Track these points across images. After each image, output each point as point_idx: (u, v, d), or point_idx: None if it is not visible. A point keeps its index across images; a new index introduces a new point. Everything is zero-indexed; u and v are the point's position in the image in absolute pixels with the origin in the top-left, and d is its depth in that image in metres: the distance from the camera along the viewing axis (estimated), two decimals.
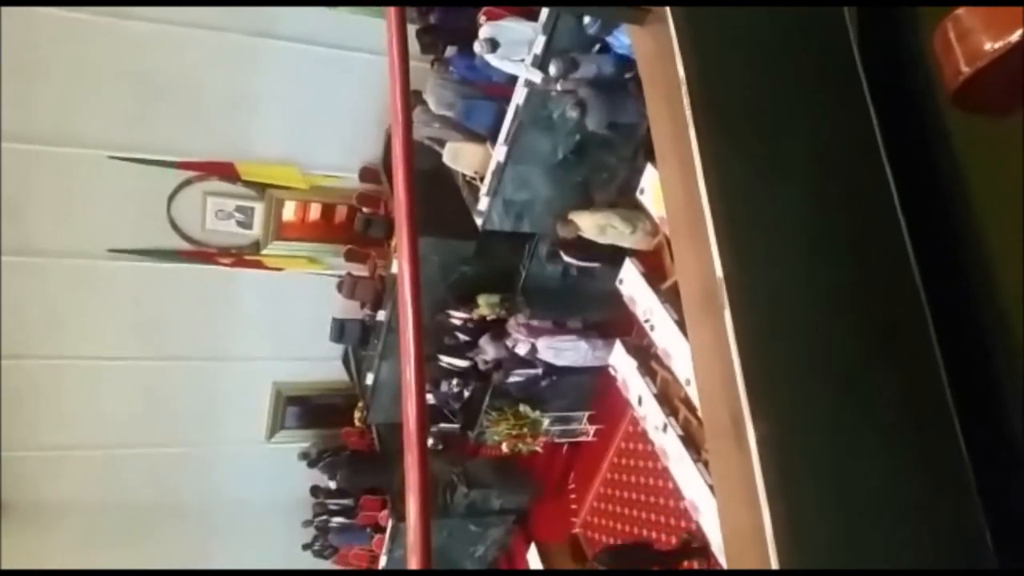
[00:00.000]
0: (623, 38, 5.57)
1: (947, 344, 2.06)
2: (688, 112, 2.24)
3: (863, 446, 2.15)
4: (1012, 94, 1.13)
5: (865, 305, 2.19)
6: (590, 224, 6.91)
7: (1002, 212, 1.85)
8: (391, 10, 2.32)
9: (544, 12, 6.20)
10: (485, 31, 6.51)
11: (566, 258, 7.58)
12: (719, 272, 2.14)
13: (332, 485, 10.68)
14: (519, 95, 6.70)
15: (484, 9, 6.63)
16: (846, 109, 2.19)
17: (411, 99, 2.56)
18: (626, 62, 5.82)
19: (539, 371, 8.09)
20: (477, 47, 6.52)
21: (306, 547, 10.95)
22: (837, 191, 2.22)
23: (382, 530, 9.77)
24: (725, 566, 2.89)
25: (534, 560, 8.28)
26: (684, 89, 2.19)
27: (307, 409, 11.45)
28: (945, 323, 2.06)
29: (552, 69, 5.92)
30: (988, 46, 1.09)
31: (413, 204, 2.25)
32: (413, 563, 1.96)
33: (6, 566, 9.69)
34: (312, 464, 10.89)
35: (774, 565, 2.08)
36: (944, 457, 2.20)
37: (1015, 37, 1.07)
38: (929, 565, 2.15)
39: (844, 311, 2.18)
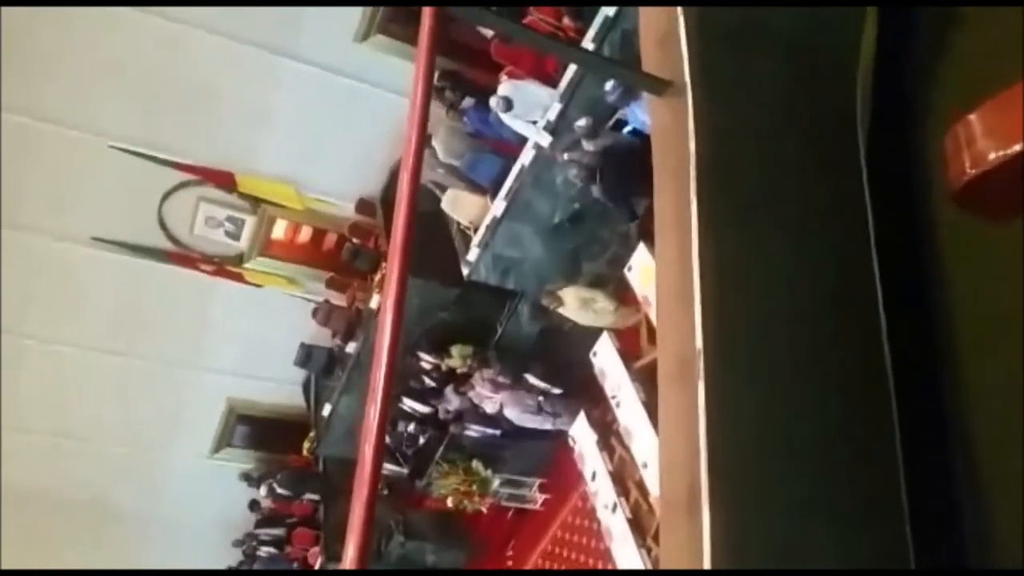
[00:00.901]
0: (639, 113, 5.73)
1: (910, 439, 2.10)
2: (693, 187, 2.31)
3: (818, 536, 2.15)
4: (1011, 202, 1.19)
5: (836, 396, 2.23)
6: (573, 297, 6.94)
7: (978, 311, 1.91)
8: (421, 48, 2.39)
9: (565, 79, 6.38)
10: (503, 89, 6.68)
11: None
12: (699, 343, 2.18)
13: (267, 498, 10.37)
14: (526, 155, 6.84)
15: (507, 68, 6.82)
16: (846, 203, 2.27)
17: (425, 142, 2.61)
18: (638, 138, 5.97)
19: (498, 432, 8.03)
20: (492, 102, 6.68)
21: (231, 571, 10.60)
22: (826, 281, 2.28)
23: (310, 566, 9.47)
24: None
25: None
26: (693, 164, 2.27)
27: (257, 430, 11.20)
28: (911, 418, 2.10)
29: (581, 123, 6.04)
30: (992, 154, 1.15)
31: (409, 246, 2.27)
32: None
33: None
34: (253, 485, 10.62)
35: None
36: (896, 550, 2.20)
37: (1016, 148, 1.13)
38: None
39: (816, 401, 2.22)
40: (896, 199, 2.08)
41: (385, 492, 8.74)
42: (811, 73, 2.32)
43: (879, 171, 2.13)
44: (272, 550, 10.28)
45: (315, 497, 9.87)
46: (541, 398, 7.51)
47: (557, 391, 7.52)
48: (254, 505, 10.50)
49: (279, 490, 10.13)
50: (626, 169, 5.79)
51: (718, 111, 2.30)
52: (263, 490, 10.29)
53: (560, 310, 7.00)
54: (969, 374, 1.98)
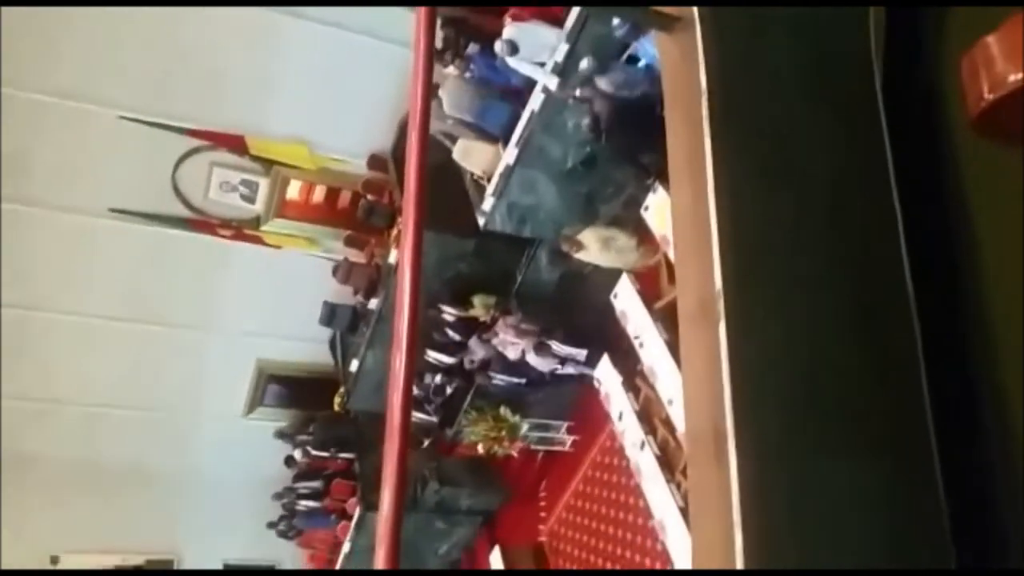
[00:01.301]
0: (650, 48, 5.60)
1: (936, 377, 2.09)
2: (706, 124, 2.27)
3: (842, 475, 2.17)
4: None
5: (860, 333, 2.22)
6: (593, 239, 6.90)
7: (1002, 241, 1.87)
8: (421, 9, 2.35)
9: (571, 19, 6.24)
10: (508, 32, 6.55)
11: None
12: (718, 284, 2.17)
13: (303, 458, 10.63)
14: (536, 100, 6.73)
15: (511, 11, 6.67)
16: (862, 135, 2.22)
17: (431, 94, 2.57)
18: (649, 76, 5.86)
19: (523, 380, 8.10)
20: (497, 47, 6.56)
21: (271, 525, 10.91)
22: (844, 216, 2.25)
23: (348, 517, 9.73)
24: None
25: (496, 564, 8.26)
26: (704, 100, 2.22)
27: (288, 389, 11.44)
28: (936, 355, 2.09)
29: (583, 64, 5.94)
30: (1012, 77, 1.11)
31: (423, 197, 2.27)
32: (380, 555, 1.98)
33: None
34: (287, 442, 10.86)
35: None
36: (922, 504, 2.21)
37: None
38: None
39: (838, 338, 2.21)
40: (913, 136, 2.03)
41: (426, 443, 8.92)
42: (822, 16, 2.25)
43: (894, 110, 2.08)
44: (311, 503, 10.55)
45: (349, 456, 10.06)
46: (559, 366, 7.57)
47: (581, 357, 7.53)
48: (290, 461, 10.76)
49: (313, 452, 10.36)
50: (633, 124, 5.68)
51: (728, 47, 2.24)
52: (298, 453, 10.54)
53: (581, 254, 6.96)
54: (994, 317, 1.95)
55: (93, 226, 9.68)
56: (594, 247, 6.86)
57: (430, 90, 2.28)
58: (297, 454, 10.55)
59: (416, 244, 2.21)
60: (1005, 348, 1.91)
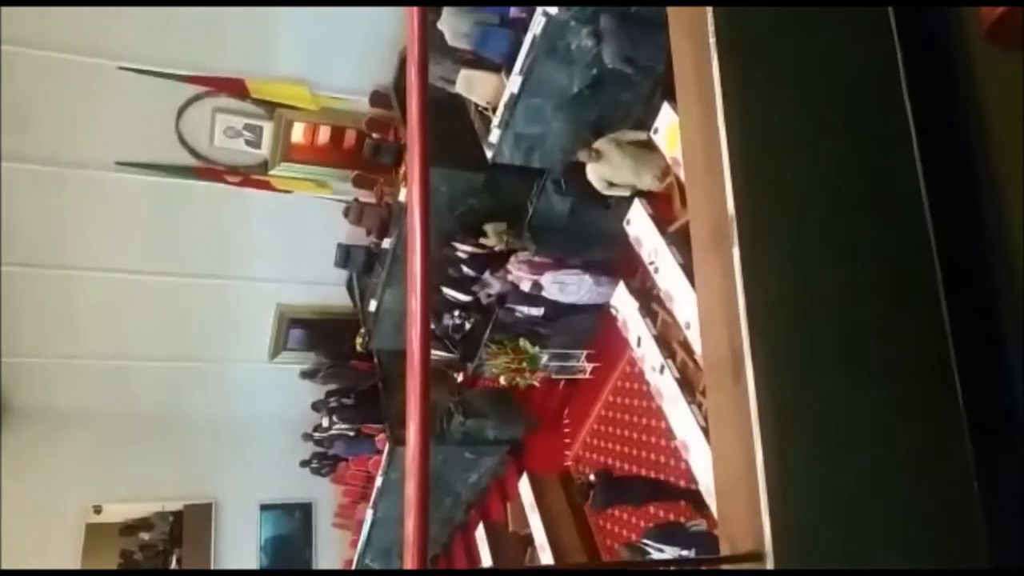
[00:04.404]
0: None
1: (952, 287, 2.07)
2: (712, 44, 2.21)
3: (859, 389, 2.18)
4: None
5: (875, 252, 2.20)
6: (610, 145, 6.78)
7: (1017, 153, 1.83)
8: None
9: None
10: None
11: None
12: (731, 209, 2.15)
13: (327, 422, 10.86)
14: (537, 24, 6.55)
15: None
16: (873, 48, 2.15)
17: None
18: None
19: (541, 311, 8.12)
20: None
21: (304, 464, 11.21)
22: (856, 134, 2.20)
23: (380, 452, 9.97)
24: (715, 504, 2.94)
25: (525, 489, 8.46)
26: (710, 18, 2.16)
27: (310, 331, 11.61)
28: (952, 266, 2.07)
29: None
30: None
31: (426, 130, 2.24)
32: (410, 487, 2.02)
33: (9, 468, 9.98)
34: (318, 383, 11.05)
35: (763, 499, 2.14)
36: (938, 405, 2.23)
37: None
38: (914, 508, 2.20)
39: (854, 257, 2.19)
40: (924, 47, 1.96)
41: (460, 378, 9.03)
42: None
43: (906, 20, 2.00)
44: (345, 427, 10.77)
45: (378, 426, 10.18)
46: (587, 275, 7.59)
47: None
48: (317, 405, 10.97)
49: (340, 424, 10.55)
50: (637, 27, 5.51)
51: None
52: (325, 421, 10.73)
53: (600, 163, 6.80)
54: (1013, 230, 1.91)
55: (103, 180, 9.69)
56: (613, 153, 6.71)
57: (427, 23, 2.23)
58: (324, 421, 10.75)
59: (423, 182, 2.20)
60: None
